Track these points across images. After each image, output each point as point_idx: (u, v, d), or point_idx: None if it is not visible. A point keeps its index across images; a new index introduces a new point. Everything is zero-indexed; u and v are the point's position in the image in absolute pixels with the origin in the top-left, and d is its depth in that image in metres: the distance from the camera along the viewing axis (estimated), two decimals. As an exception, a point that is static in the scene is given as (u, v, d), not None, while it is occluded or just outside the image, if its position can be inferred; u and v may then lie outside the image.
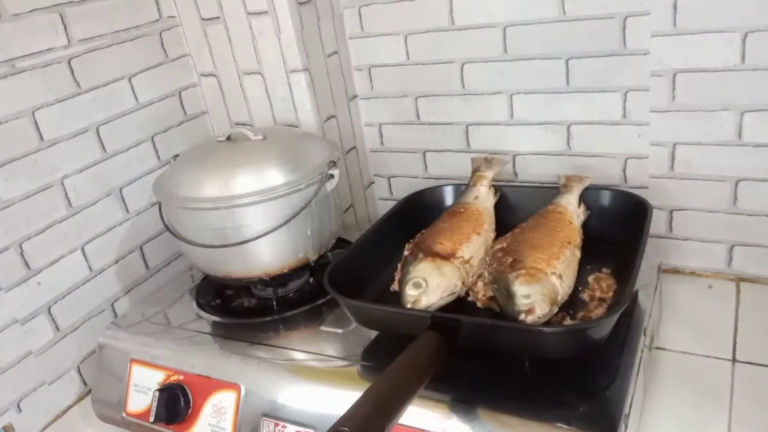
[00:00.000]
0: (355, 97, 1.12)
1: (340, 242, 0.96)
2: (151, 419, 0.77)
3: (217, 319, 0.88)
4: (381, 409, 0.54)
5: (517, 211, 0.88)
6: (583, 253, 0.77)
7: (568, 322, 0.69)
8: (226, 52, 1.03)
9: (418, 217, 0.89)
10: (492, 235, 0.84)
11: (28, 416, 0.87)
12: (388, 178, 1.18)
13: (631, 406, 0.63)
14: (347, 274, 0.77)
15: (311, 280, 0.93)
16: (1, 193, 0.82)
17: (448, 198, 0.94)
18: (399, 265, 0.81)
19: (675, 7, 0.82)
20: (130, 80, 0.98)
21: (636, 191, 0.86)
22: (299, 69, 0.99)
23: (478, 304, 0.75)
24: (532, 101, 0.97)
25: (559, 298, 0.69)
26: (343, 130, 1.10)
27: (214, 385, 0.76)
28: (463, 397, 0.65)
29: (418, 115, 1.08)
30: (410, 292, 0.71)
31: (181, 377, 0.79)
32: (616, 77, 0.90)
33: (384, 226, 0.88)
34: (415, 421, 0.63)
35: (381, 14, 1.02)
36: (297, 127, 1.04)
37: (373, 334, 0.77)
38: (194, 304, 0.92)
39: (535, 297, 0.66)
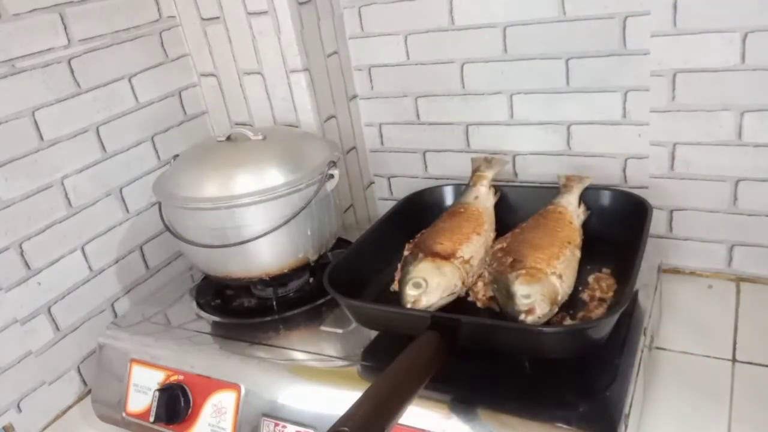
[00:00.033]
0: (355, 97, 1.12)
1: (340, 242, 0.96)
2: (151, 419, 0.77)
3: (217, 319, 0.88)
4: (381, 409, 0.54)
5: (517, 211, 0.88)
6: (583, 253, 0.77)
7: (568, 322, 0.69)
8: (226, 52, 1.03)
9: (418, 217, 0.89)
10: (492, 235, 0.84)
11: (28, 416, 0.87)
12: (388, 178, 1.18)
13: (631, 406, 0.63)
14: (347, 274, 0.77)
15: (311, 280, 0.93)
16: (1, 193, 0.82)
17: (448, 198, 0.94)
18: (399, 265, 0.81)
19: (675, 7, 0.82)
20: (130, 80, 0.98)
21: (636, 191, 0.86)
22: (299, 69, 0.99)
23: (478, 304, 0.75)
24: (532, 101, 0.97)
25: (559, 298, 0.69)
26: (343, 130, 1.10)
27: (214, 385, 0.76)
28: (463, 397, 0.65)
29: (418, 115, 1.08)
30: (410, 292, 0.71)
31: (181, 377, 0.79)
32: (616, 77, 0.90)
33: (384, 226, 0.88)
34: (415, 421, 0.63)
35: (381, 14, 1.02)
36: (297, 127, 1.04)
37: (373, 334, 0.77)
38: (194, 304, 0.92)
39: (535, 297, 0.66)
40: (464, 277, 0.75)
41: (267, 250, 0.84)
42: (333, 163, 0.85)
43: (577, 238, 0.78)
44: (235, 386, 0.75)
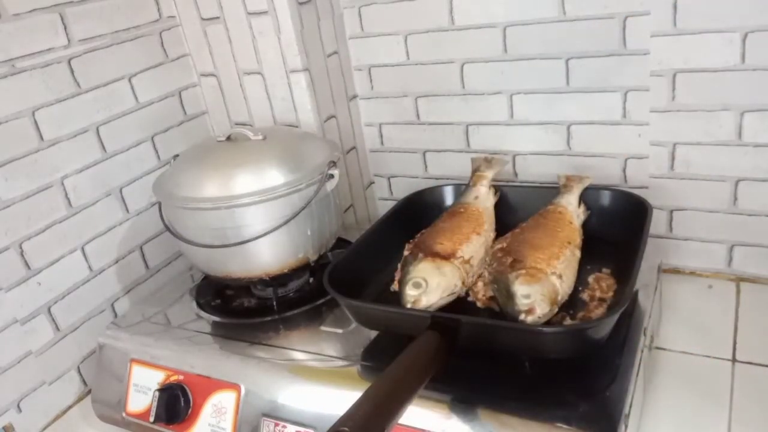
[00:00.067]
0: (355, 97, 1.12)
1: (340, 242, 0.96)
2: (151, 419, 0.77)
3: (217, 319, 0.88)
4: (381, 409, 0.54)
5: (517, 211, 0.88)
6: (583, 253, 0.77)
7: (568, 322, 0.69)
8: (226, 52, 1.03)
9: (418, 217, 0.89)
10: (492, 235, 0.84)
11: (28, 416, 0.87)
12: (388, 178, 1.18)
13: (631, 406, 0.63)
14: (347, 274, 0.77)
15: (311, 280, 0.93)
16: (1, 193, 0.82)
17: (448, 198, 0.94)
18: (399, 265, 0.81)
19: (675, 7, 0.82)
20: (130, 80, 0.98)
21: (636, 191, 0.86)
22: (299, 69, 0.99)
23: (478, 304, 0.75)
24: (532, 101, 0.97)
25: (559, 298, 0.69)
26: (343, 130, 1.10)
27: (214, 385, 0.76)
28: (463, 397, 0.65)
29: (418, 115, 1.08)
30: (410, 292, 0.71)
31: (181, 377, 0.79)
32: (616, 77, 0.90)
33: (384, 226, 0.88)
34: (415, 421, 0.63)
35: (381, 14, 1.02)
36: (297, 127, 1.04)
37: (373, 334, 0.77)
38: (194, 304, 0.92)
39: (535, 297, 0.66)
40: (464, 277, 0.75)
41: (267, 250, 0.84)
42: (333, 163, 0.85)
43: (577, 238, 0.78)
44: (235, 386, 0.75)
